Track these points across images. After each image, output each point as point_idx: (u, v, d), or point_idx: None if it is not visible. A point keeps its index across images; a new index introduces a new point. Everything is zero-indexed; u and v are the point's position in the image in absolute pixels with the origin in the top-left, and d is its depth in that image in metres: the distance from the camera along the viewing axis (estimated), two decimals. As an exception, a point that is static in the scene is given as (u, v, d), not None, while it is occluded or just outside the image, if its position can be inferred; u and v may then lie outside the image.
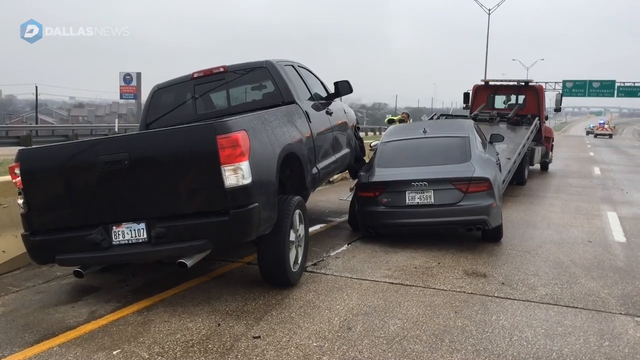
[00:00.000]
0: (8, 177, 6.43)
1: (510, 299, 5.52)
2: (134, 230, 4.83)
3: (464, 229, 7.62)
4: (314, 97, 7.28)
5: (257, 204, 4.78)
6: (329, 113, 7.48)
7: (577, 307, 5.34)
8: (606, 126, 65.62)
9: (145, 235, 4.81)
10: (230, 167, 4.64)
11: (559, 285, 6.03)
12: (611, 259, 7.25)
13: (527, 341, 4.49)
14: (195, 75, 6.79)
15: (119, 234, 4.85)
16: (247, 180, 4.70)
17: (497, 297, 5.57)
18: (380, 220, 7.68)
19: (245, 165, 4.70)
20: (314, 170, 6.47)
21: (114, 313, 4.79)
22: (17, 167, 4.97)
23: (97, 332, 4.40)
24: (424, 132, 8.82)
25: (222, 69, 6.72)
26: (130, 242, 4.83)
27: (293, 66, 7.23)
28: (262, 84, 6.92)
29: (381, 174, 7.86)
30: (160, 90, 7.05)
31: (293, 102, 6.49)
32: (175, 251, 4.80)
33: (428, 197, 7.45)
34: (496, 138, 10.98)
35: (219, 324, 4.62)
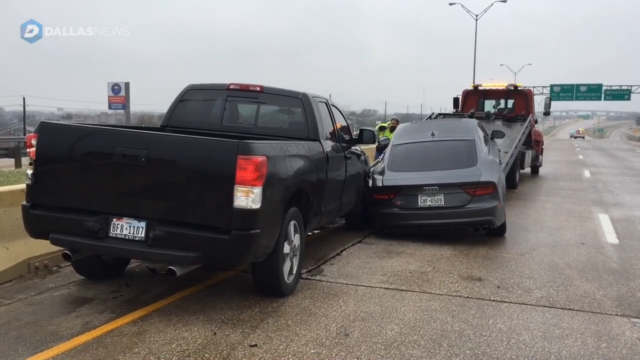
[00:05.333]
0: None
1: (506, 302, 5.52)
2: (134, 227, 4.83)
3: (472, 228, 8.14)
4: (337, 138, 7.30)
5: (259, 230, 4.78)
6: (347, 157, 7.47)
7: (573, 309, 5.35)
8: (580, 131, 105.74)
9: (143, 235, 4.81)
10: (243, 188, 4.65)
11: (555, 287, 6.03)
12: (605, 260, 7.28)
13: (525, 344, 4.48)
14: (231, 87, 6.80)
15: (117, 227, 4.86)
16: (257, 205, 4.70)
17: (493, 300, 5.56)
18: (394, 221, 8.27)
19: (258, 190, 4.70)
20: (319, 211, 6.45)
21: (108, 324, 4.72)
22: (35, 138, 5.04)
23: (92, 343, 4.33)
24: (432, 135, 9.26)
25: (258, 88, 6.74)
26: (126, 237, 4.84)
27: (326, 103, 7.29)
28: (293, 114, 6.93)
29: (395, 178, 8.40)
30: (193, 90, 7.05)
31: (317, 140, 6.49)
32: (169, 257, 4.77)
33: (439, 200, 8.01)
34: (497, 134, 11.86)
35: (214, 333, 4.57)
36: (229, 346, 4.33)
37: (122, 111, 52.77)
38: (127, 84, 50.75)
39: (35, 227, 5.13)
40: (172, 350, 4.24)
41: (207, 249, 4.74)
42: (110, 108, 52.81)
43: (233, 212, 4.67)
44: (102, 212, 4.91)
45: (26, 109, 53.27)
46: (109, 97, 50.58)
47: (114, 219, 4.88)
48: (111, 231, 4.88)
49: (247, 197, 4.67)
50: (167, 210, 4.84)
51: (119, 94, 50.38)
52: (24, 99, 51.31)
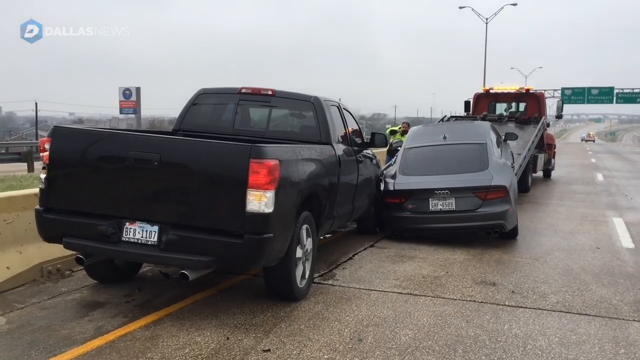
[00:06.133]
0: (10, 193, 6.40)
1: (521, 307, 5.46)
2: (147, 231, 4.83)
3: (483, 232, 8.12)
4: (349, 141, 7.27)
5: (272, 234, 4.76)
6: (359, 161, 7.43)
7: (589, 315, 5.28)
8: (591, 135, 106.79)
9: (155, 239, 4.80)
10: (256, 192, 4.63)
11: (570, 292, 5.96)
12: (621, 265, 7.19)
13: (542, 350, 4.42)
14: (243, 91, 6.79)
15: (130, 231, 4.86)
16: (269, 209, 4.68)
17: (508, 305, 5.50)
18: (406, 225, 8.32)
19: (270, 194, 4.68)
20: (331, 215, 6.42)
21: (120, 328, 4.71)
22: (48, 142, 5.07)
23: (105, 347, 4.32)
24: (444, 138, 9.26)
25: (270, 92, 6.72)
26: (139, 241, 4.84)
27: (338, 107, 7.28)
28: (305, 118, 6.92)
29: (406, 182, 8.42)
30: (204, 95, 7.06)
31: (329, 143, 6.47)
32: (181, 261, 4.77)
33: (450, 204, 8.01)
34: (510, 137, 11.86)
35: (227, 338, 4.55)
36: (242, 351, 4.30)
37: (133, 116, 53.08)
38: (138, 89, 51.08)
39: (48, 231, 5.15)
40: (185, 355, 4.22)
41: (219, 253, 4.72)
42: (121, 113, 53.16)
43: (246, 216, 4.65)
44: (114, 216, 4.91)
45: (38, 113, 53.70)
46: (120, 101, 50.93)
47: (127, 223, 4.88)
48: (124, 235, 4.88)
49: (259, 201, 4.64)
50: (180, 214, 4.84)
51: (130, 98, 50.70)
52: (36, 104, 51.81)
